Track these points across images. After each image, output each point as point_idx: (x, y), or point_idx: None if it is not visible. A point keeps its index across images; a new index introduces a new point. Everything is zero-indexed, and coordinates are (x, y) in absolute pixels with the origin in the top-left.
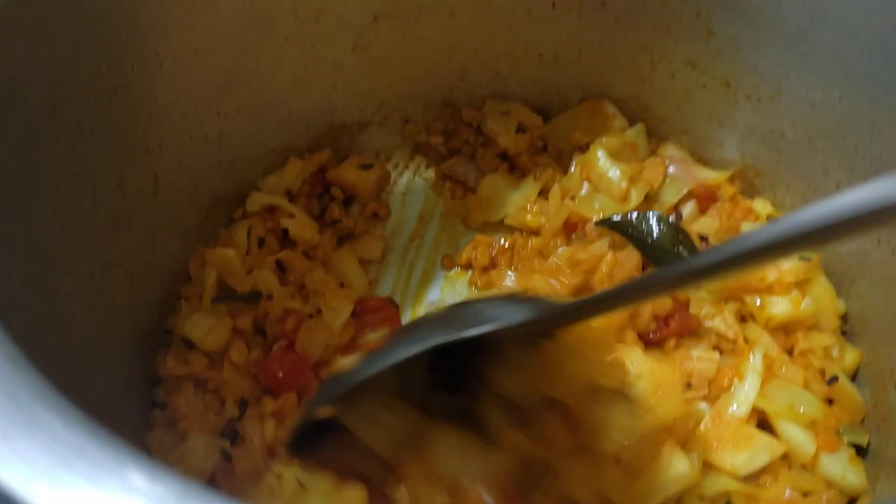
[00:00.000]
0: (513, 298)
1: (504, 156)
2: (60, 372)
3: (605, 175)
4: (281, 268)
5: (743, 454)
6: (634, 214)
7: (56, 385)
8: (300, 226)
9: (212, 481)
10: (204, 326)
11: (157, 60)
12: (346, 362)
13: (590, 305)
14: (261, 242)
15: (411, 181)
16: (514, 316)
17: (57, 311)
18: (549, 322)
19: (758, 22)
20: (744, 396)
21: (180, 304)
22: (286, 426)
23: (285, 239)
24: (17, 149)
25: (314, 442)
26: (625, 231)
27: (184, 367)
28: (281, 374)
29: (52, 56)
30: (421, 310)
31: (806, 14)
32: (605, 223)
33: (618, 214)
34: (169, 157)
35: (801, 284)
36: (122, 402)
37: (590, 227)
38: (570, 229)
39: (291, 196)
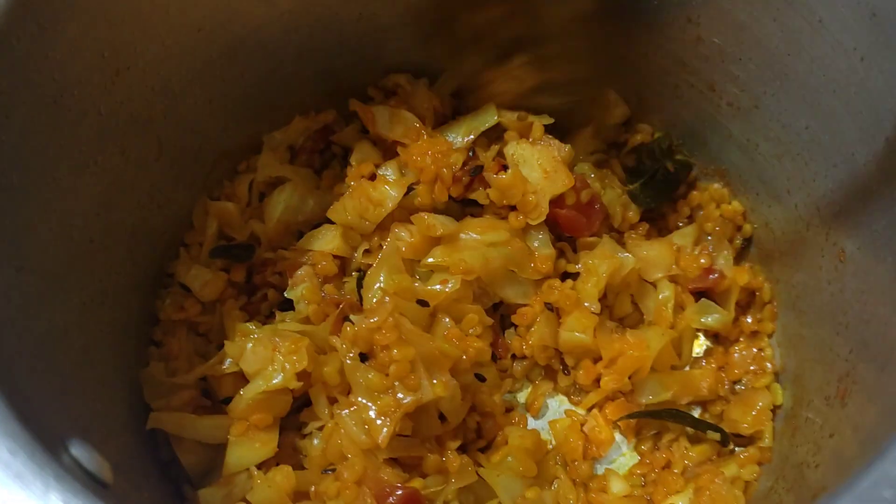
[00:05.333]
0: None
1: None
2: (71, 310)
3: None
4: None
5: None
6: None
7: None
8: None
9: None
10: (202, 279)
11: (160, 40)
12: None
13: None
14: (261, 196)
15: None
16: None
17: (57, 268)
18: None
19: (741, 37)
20: None
21: (181, 251)
22: None
23: None
24: (20, 144)
25: None
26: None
27: (180, 313)
28: None
29: (53, 53)
30: None
31: (783, 40)
32: None
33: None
34: (173, 123)
35: None
36: (121, 337)
37: None
38: None
39: (294, 151)
